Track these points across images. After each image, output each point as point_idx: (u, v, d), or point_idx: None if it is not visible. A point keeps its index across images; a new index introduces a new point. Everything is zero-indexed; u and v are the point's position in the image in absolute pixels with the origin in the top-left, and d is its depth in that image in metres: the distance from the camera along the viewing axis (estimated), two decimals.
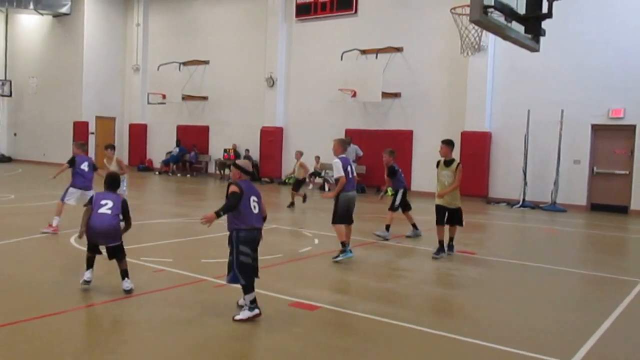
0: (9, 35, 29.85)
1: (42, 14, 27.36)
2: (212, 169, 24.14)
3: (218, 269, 7.44)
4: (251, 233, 5.51)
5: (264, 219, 5.76)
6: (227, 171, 22.74)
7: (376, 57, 18.92)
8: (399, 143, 18.66)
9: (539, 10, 6.43)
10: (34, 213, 11.88)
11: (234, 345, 4.96)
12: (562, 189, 16.15)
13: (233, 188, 5.52)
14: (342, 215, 8.33)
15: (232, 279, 5.46)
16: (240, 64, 23.02)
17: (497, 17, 6.13)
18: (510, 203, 16.71)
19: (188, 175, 23.79)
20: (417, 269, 8.25)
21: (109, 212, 6.14)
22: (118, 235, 6.23)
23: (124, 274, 6.29)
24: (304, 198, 14.80)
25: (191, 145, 24.24)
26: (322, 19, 20.86)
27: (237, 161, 5.97)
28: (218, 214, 5.41)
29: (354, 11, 20.03)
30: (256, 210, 5.56)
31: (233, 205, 5.47)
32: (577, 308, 6.70)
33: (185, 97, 23.88)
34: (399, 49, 18.95)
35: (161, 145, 25.28)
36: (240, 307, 5.66)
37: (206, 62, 24.14)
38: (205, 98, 24.12)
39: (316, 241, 9.94)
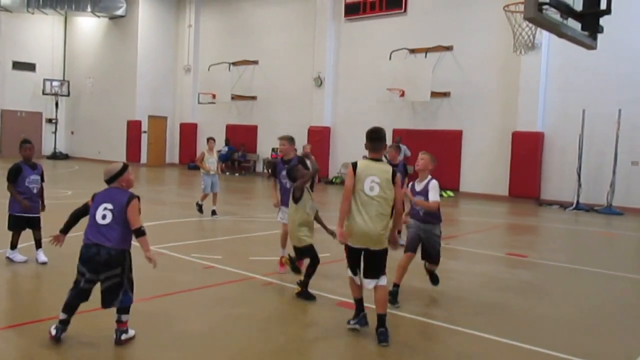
0: (67, 37, 30.97)
1: (98, 17, 28.28)
2: (259, 167, 24.40)
3: (266, 267, 7.54)
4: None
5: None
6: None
7: (425, 56, 18.73)
8: (448, 143, 18.44)
9: (597, 6, 6.22)
10: None
11: (285, 343, 5.00)
12: (618, 191, 15.58)
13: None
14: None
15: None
16: (288, 64, 23.20)
17: (553, 14, 5.96)
18: (564, 205, 16.23)
19: (236, 174, 24.12)
20: (466, 271, 8.11)
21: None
22: None
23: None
24: None
25: (240, 144, 24.58)
26: (371, 18, 20.79)
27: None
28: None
29: (403, 10, 19.87)
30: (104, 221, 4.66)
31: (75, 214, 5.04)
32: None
33: (235, 97, 24.23)
34: (448, 48, 18.69)
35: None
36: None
37: (255, 62, 24.43)
38: (254, 98, 24.41)
39: None
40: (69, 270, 5.31)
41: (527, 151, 16.86)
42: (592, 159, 16.20)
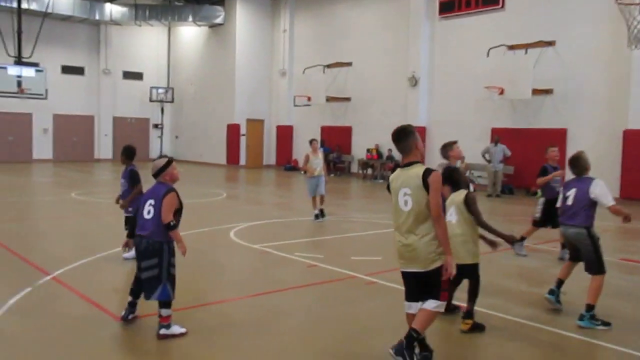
0: (171, 46, 32.71)
1: (199, 25, 29.64)
2: (354, 168, 24.57)
3: (368, 267, 7.62)
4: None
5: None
6: (369, 171, 23.08)
7: (525, 52, 18.05)
8: (551, 142, 17.65)
9: None
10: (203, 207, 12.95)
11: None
12: None
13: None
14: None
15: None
16: (382, 64, 23.18)
17: None
18: None
19: (332, 175, 24.41)
20: (577, 277, 7.76)
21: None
22: None
23: None
24: None
25: (335, 145, 24.86)
26: (466, 15, 20.32)
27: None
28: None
29: (500, 5, 19.27)
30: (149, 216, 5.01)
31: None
32: None
33: (329, 99, 24.54)
34: (550, 43, 17.89)
35: (306, 145, 26.11)
36: None
37: (349, 64, 24.61)
38: (348, 99, 24.61)
39: None
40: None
41: None
42: None
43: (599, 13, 16.23)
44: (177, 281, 5.03)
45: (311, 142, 12.70)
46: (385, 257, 7.87)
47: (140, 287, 5.13)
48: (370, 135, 23.37)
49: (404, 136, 4.29)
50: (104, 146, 30.64)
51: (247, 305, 6.10)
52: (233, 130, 28.01)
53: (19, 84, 24.41)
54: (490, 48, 18.73)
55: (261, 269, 6.93)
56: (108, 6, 28.04)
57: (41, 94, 24.95)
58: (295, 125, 27.40)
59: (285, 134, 27.72)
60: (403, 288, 4.43)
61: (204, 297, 6.10)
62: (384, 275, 7.17)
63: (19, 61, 23.82)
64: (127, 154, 7.75)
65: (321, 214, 11.83)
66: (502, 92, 17.84)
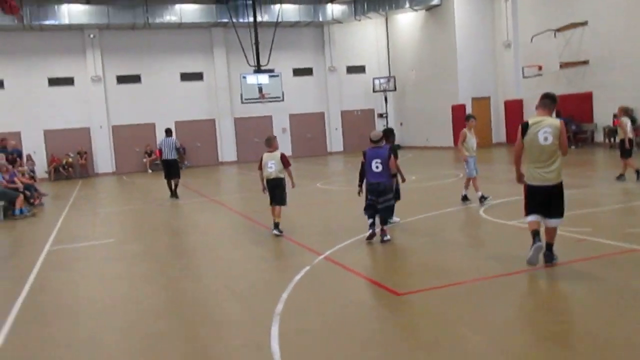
0: (389, 35, 33.26)
1: (416, 10, 29.59)
2: (599, 137, 22.24)
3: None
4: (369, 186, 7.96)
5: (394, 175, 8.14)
6: (614, 139, 20.64)
7: None
8: None
9: None
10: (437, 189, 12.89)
11: None
12: None
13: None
14: None
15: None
16: (622, 18, 20.53)
17: None
18: None
19: (572, 147, 22.44)
20: None
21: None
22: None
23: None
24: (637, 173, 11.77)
25: (568, 115, 22.75)
26: None
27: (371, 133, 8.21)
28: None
29: None
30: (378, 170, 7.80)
31: (360, 172, 8.13)
32: None
33: (563, 65, 22.57)
34: None
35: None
36: None
37: (584, 24, 22.29)
38: (586, 62, 22.34)
39: None
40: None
41: None
42: None
43: None
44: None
45: (469, 118, 10.89)
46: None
47: (371, 211, 7.93)
48: (616, 99, 20.85)
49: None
50: (335, 140, 32.44)
51: (511, 284, 5.84)
52: (458, 111, 27.41)
53: (260, 90, 27.16)
54: None
55: (519, 246, 6.56)
56: (329, 6, 29.57)
57: (278, 97, 27.38)
58: (525, 99, 25.77)
59: (514, 109, 26.27)
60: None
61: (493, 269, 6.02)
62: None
63: (258, 69, 26.42)
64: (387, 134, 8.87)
65: (482, 200, 10.43)
66: None
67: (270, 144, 9.05)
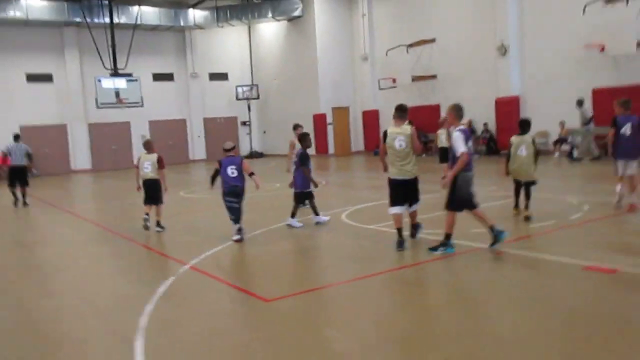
0: (252, 44, 33.39)
1: (278, 20, 30.03)
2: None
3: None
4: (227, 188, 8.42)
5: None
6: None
7: (627, 3, 16.94)
8: None
9: None
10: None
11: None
12: None
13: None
14: (464, 200, 6.94)
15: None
16: (468, 37, 22.49)
17: None
18: None
19: (423, 155, 24.03)
20: None
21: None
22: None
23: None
24: None
25: (417, 128, 24.37)
26: None
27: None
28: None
29: None
30: (234, 175, 8.33)
31: (213, 174, 8.64)
32: None
33: (415, 78, 24.17)
34: None
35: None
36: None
37: (432, 41, 24.08)
38: (434, 77, 24.12)
39: (586, 207, 9.37)
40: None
41: None
42: None
43: None
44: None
45: (296, 127, 10.94)
46: None
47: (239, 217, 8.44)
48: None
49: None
50: (198, 147, 31.85)
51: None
52: (320, 120, 28.24)
53: (117, 94, 25.90)
54: (587, 4, 17.73)
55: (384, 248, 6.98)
56: (191, 12, 29.06)
57: (137, 102, 26.31)
58: (381, 109, 27.21)
59: (371, 119, 27.62)
60: None
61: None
62: None
63: (115, 73, 25.19)
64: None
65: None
66: (603, 49, 16.87)
67: (150, 147, 10.01)
